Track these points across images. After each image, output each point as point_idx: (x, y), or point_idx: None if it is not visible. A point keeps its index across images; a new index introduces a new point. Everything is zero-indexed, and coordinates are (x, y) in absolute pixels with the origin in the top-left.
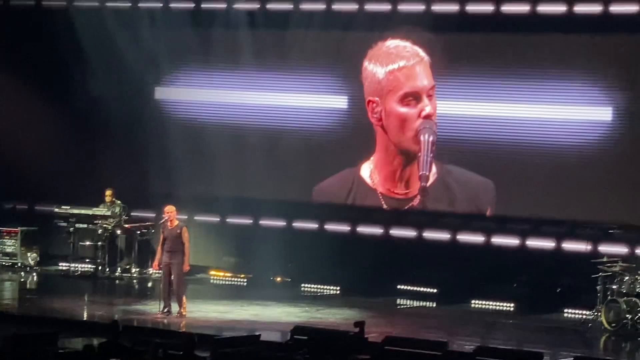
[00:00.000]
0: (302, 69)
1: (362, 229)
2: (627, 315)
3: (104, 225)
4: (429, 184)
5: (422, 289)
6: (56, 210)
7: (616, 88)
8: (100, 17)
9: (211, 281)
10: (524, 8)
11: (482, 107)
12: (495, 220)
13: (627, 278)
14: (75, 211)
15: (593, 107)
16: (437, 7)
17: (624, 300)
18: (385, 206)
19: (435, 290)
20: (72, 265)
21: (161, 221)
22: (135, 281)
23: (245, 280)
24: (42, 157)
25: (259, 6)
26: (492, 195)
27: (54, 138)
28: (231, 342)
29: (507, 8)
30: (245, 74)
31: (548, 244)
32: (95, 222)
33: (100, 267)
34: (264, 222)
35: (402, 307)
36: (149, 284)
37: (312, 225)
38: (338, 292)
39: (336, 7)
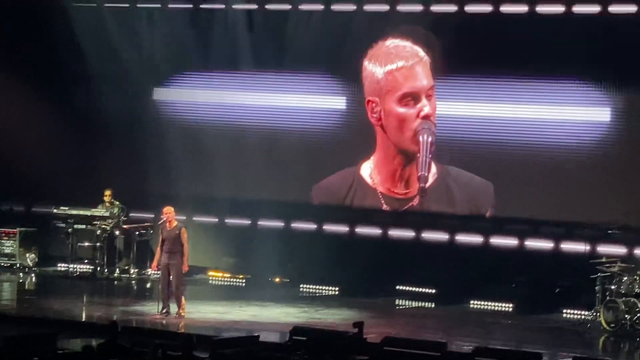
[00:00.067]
0: (301, 69)
1: (361, 230)
2: (626, 316)
3: (103, 226)
4: (428, 184)
5: (421, 289)
6: (55, 211)
7: (615, 88)
8: (100, 17)
9: (210, 282)
10: (523, 8)
11: (481, 107)
12: (494, 221)
13: (625, 278)
14: (74, 212)
15: (591, 107)
16: (436, 8)
17: (623, 301)
18: (385, 206)
19: (434, 291)
20: (71, 266)
21: (160, 222)
22: (133, 282)
23: (243, 280)
24: (41, 157)
25: (257, 7)
26: (492, 197)
27: (52, 139)
28: (230, 343)
29: (506, 8)
30: (244, 75)
31: (547, 244)
32: (93, 223)
33: (98, 268)
34: (263, 222)
35: (401, 307)
36: (148, 285)
37: (311, 226)
38: (337, 292)
39: (335, 7)
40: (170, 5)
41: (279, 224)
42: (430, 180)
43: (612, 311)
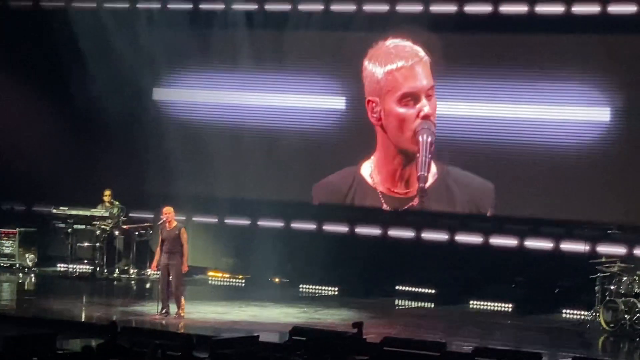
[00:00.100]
0: (300, 69)
1: (360, 230)
2: (626, 316)
3: (102, 226)
4: (429, 184)
5: (420, 289)
6: (54, 211)
7: (614, 88)
8: (99, 17)
9: (209, 282)
10: (522, 8)
11: (480, 107)
12: (493, 221)
13: (625, 278)
14: (74, 212)
15: (591, 107)
16: (435, 8)
17: (622, 301)
18: (385, 205)
19: (433, 291)
20: (70, 266)
21: (159, 222)
22: (133, 282)
23: (243, 281)
24: (41, 157)
25: (257, 7)
26: (492, 197)
27: (52, 139)
28: (229, 343)
29: (505, 8)
30: (244, 75)
31: (546, 244)
32: (93, 223)
33: (98, 268)
34: (262, 222)
35: (400, 307)
36: (147, 285)
37: (310, 226)
38: (336, 292)
39: (334, 7)
40: (169, 6)
41: (279, 224)
42: (431, 180)
43: (611, 311)
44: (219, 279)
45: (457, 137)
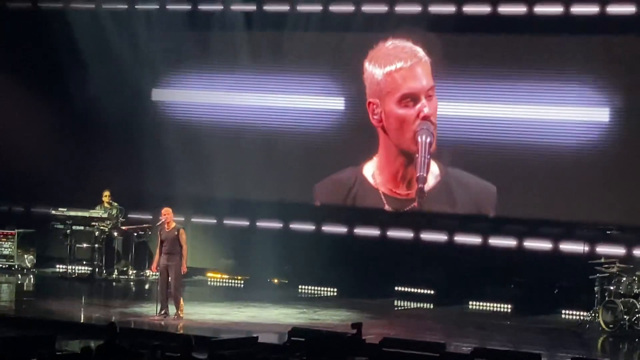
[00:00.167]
0: (299, 70)
1: (360, 231)
2: (625, 316)
3: (101, 227)
4: (431, 186)
5: (419, 290)
6: (53, 212)
7: (613, 89)
8: (97, 18)
9: (208, 283)
10: (521, 9)
11: (479, 108)
12: (492, 222)
13: (624, 279)
14: (72, 213)
15: (590, 107)
16: (433, 8)
17: (622, 301)
18: (386, 206)
19: (432, 292)
20: (69, 267)
21: (158, 223)
22: (132, 283)
23: (242, 282)
24: (39, 158)
25: (255, 7)
26: (494, 199)
27: (51, 140)
28: (228, 344)
29: (504, 9)
30: (242, 76)
31: (545, 245)
32: (92, 224)
33: (97, 269)
34: (261, 223)
35: (399, 308)
36: (146, 286)
37: (309, 227)
38: (335, 293)
39: (333, 8)
40: (168, 7)
41: (278, 224)
42: (433, 181)
43: (610, 312)
44: (218, 279)
45: (456, 138)
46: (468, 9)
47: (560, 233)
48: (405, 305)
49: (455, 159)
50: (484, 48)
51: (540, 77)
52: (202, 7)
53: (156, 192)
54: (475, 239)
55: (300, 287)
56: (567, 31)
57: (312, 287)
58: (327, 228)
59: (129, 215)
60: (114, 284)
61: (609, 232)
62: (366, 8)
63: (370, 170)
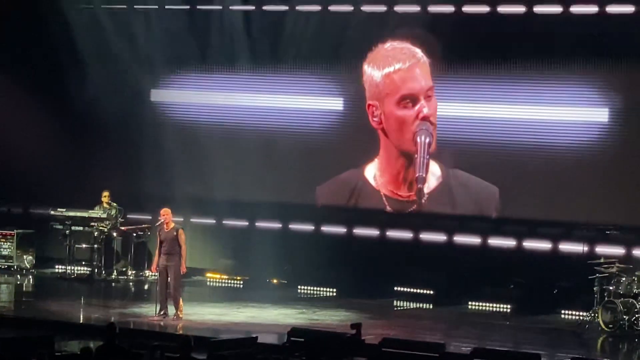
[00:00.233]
0: (298, 70)
1: (359, 231)
2: (624, 316)
3: (100, 228)
4: (433, 187)
5: (418, 290)
6: (52, 212)
7: (612, 89)
8: (96, 19)
9: (208, 283)
10: (520, 9)
11: (479, 108)
12: (492, 222)
13: (624, 279)
14: (71, 214)
15: (589, 108)
16: (433, 8)
17: (621, 302)
18: (388, 207)
19: (432, 292)
20: (68, 267)
21: (157, 224)
22: (131, 284)
23: (241, 282)
24: (38, 159)
25: (254, 7)
26: (497, 201)
27: (50, 140)
28: (228, 345)
29: (503, 9)
30: (241, 76)
31: (545, 245)
32: (91, 224)
33: (96, 270)
34: (261, 224)
35: (399, 308)
36: (145, 287)
37: (309, 227)
38: (335, 294)
39: (332, 8)
40: (167, 7)
41: (277, 225)
42: (435, 183)
43: (610, 312)
44: (217, 280)
45: (456, 138)
46: (467, 8)
47: (560, 233)
48: (405, 305)
49: (456, 160)
50: (483, 48)
51: (540, 77)
52: (201, 7)
53: (155, 192)
54: (474, 239)
55: (299, 287)
56: (567, 31)
57: (312, 288)
58: (326, 228)
59: (128, 216)
60: (113, 284)
61: (608, 232)
62: (365, 8)
63: (372, 172)
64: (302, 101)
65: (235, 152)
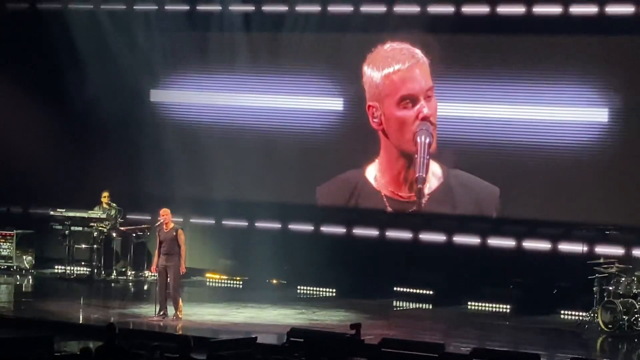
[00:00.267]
0: (297, 71)
1: (358, 231)
2: (624, 317)
3: (100, 228)
4: (434, 188)
5: (418, 290)
6: (51, 213)
7: (612, 89)
8: (96, 19)
9: (207, 284)
10: (520, 9)
11: (478, 108)
12: (491, 222)
13: (623, 279)
14: (71, 214)
15: (588, 108)
16: (432, 9)
17: (621, 302)
18: (389, 208)
19: (431, 292)
20: (68, 268)
21: (156, 224)
22: (131, 284)
23: (241, 282)
24: (38, 159)
25: (254, 8)
26: (498, 201)
27: (49, 141)
28: (227, 345)
29: (503, 9)
30: (241, 76)
31: (544, 245)
32: (90, 224)
33: (95, 270)
34: (260, 224)
35: (398, 309)
36: (145, 287)
37: (308, 228)
38: (334, 294)
39: (331, 8)
40: (166, 7)
41: (277, 225)
42: (436, 183)
43: (609, 312)
44: (217, 280)
45: (456, 138)
46: (467, 9)
47: (559, 233)
48: (404, 305)
49: (456, 160)
50: (482, 48)
51: (539, 77)
52: (201, 7)
53: (155, 192)
54: (474, 240)
55: (299, 287)
56: (566, 31)
57: (311, 288)
58: (326, 229)
59: (127, 216)
60: (112, 284)
61: (607, 233)
62: (365, 8)
63: (373, 172)
64: (301, 101)
65: (235, 152)
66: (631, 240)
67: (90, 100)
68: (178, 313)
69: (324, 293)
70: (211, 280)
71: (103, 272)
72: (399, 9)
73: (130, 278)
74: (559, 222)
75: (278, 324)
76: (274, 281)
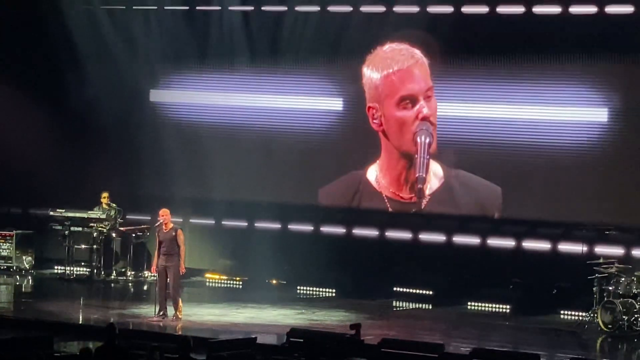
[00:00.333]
0: (297, 71)
1: (358, 231)
2: (624, 317)
3: (99, 229)
4: (435, 188)
5: (418, 291)
6: (51, 213)
7: (611, 89)
8: (95, 19)
9: (207, 284)
10: (520, 9)
11: (478, 108)
12: (491, 222)
13: (623, 279)
14: (71, 214)
15: (588, 108)
16: (432, 9)
17: (620, 302)
18: (390, 209)
19: (431, 293)
20: (68, 268)
21: (156, 224)
22: (130, 284)
23: (240, 283)
24: (37, 160)
25: (253, 8)
26: (500, 201)
27: (49, 141)
28: (227, 345)
29: (502, 9)
30: (240, 76)
31: (544, 245)
32: (90, 225)
33: (95, 271)
34: (260, 224)
35: (398, 309)
36: (145, 287)
37: (308, 228)
38: (334, 294)
39: (331, 8)
40: (166, 7)
41: (276, 225)
42: (438, 184)
43: (609, 312)
44: (217, 280)
45: (456, 138)
46: (466, 9)
47: (559, 233)
48: (404, 306)
49: (456, 160)
50: (482, 48)
51: (539, 77)
52: (200, 7)
53: (154, 193)
54: (474, 240)
55: (298, 288)
56: (566, 31)
57: (311, 288)
58: (325, 229)
59: (127, 216)
60: (112, 285)
61: (607, 233)
62: (364, 8)
63: (374, 173)
64: (301, 101)
65: (235, 152)
66: (631, 240)
67: (90, 101)
68: (178, 313)
69: (324, 293)
70: (211, 280)
71: (103, 273)
72: (399, 8)
73: (130, 278)
74: (558, 222)
75: (278, 324)
76: (274, 281)
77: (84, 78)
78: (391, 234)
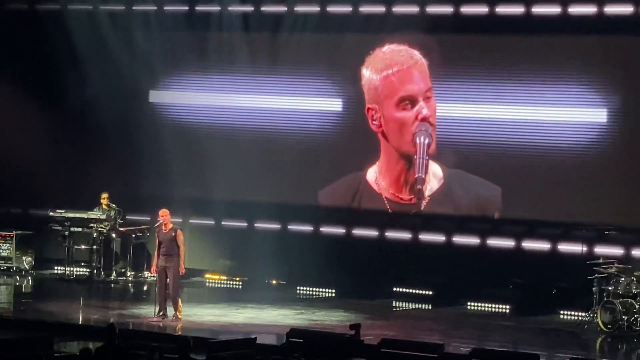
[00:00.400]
0: (296, 71)
1: (358, 231)
2: (623, 317)
3: (99, 229)
4: (435, 189)
5: (418, 291)
6: (51, 213)
7: (611, 89)
8: (95, 20)
9: (206, 284)
10: (519, 9)
11: (478, 109)
12: (491, 222)
13: (623, 279)
14: (70, 215)
15: (587, 108)
16: (431, 9)
17: (620, 302)
18: (390, 211)
19: (431, 293)
20: (68, 269)
21: (156, 225)
22: (130, 285)
23: (240, 283)
24: (37, 160)
25: (253, 9)
26: (500, 201)
27: (48, 141)
28: (227, 345)
29: (502, 9)
30: (240, 77)
31: (544, 245)
32: (90, 225)
33: (95, 271)
34: (259, 224)
35: (398, 309)
36: (145, 288)
37: (308, 228)
38: (334, 294)
39: (331, 9)
40: (165, 8)
41: (276, 226)
42: (437, 184)
43: (609, 312)
44: (216, 281)
45: (455, 139)
46: (466, 9)
47: (559, 233)
48: (404, 306)
49: (456, 161)
50: (482, 49)
51: (538, 77)
52: (200, 8)
53: (154, 193)
54: (473, 240)
55: (298, 288)
56: (565, 32)
57: (311, 288)
58: (325, 229)
59: (127, 217)
60: (112, 285)
61: (607, 233)
62: (364, 9)
63: (374, 175)
64: (300, 102)
65: (234, 152)
66: (630, 240)
67: (89, 101)
68: (177, 313)
69: (324, 293)
70: (211, 280)
71: (102, 273)
72: (398, 9)
73: (130, 279)
74: (558, 222)
75: (277, 324)
76: (274, 282)
77: (84, 78)
78: (391, 234)
